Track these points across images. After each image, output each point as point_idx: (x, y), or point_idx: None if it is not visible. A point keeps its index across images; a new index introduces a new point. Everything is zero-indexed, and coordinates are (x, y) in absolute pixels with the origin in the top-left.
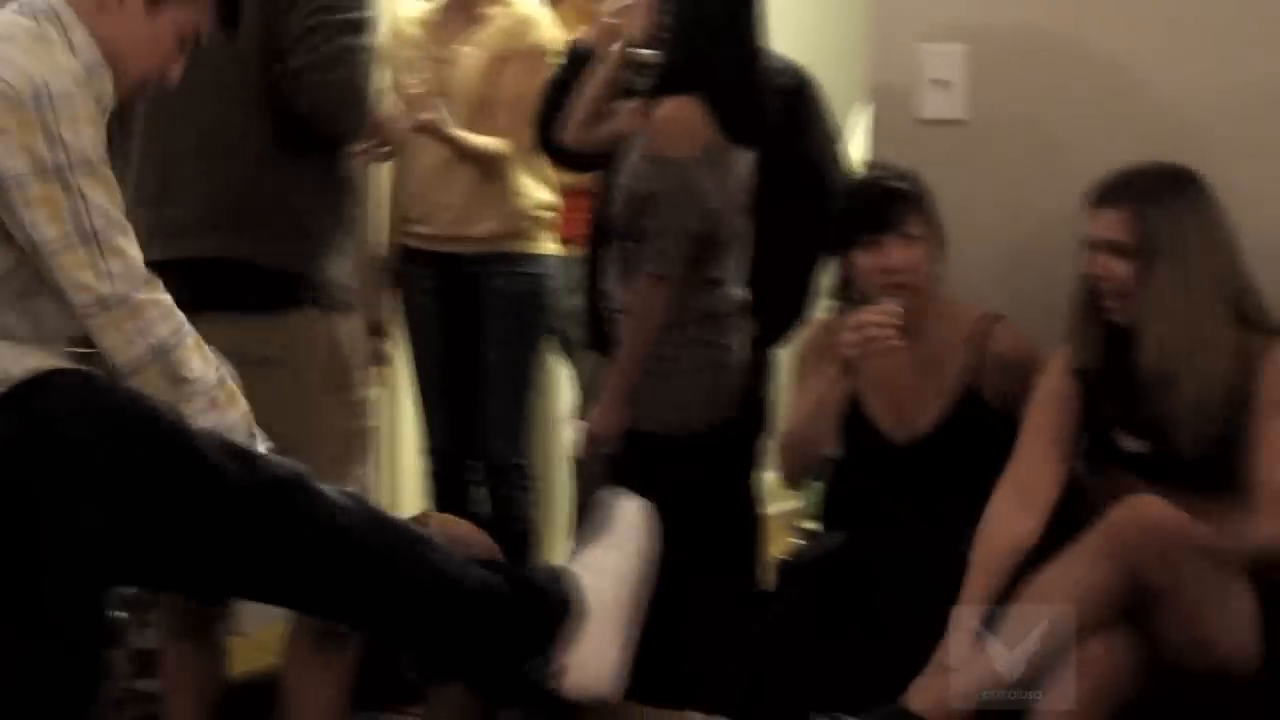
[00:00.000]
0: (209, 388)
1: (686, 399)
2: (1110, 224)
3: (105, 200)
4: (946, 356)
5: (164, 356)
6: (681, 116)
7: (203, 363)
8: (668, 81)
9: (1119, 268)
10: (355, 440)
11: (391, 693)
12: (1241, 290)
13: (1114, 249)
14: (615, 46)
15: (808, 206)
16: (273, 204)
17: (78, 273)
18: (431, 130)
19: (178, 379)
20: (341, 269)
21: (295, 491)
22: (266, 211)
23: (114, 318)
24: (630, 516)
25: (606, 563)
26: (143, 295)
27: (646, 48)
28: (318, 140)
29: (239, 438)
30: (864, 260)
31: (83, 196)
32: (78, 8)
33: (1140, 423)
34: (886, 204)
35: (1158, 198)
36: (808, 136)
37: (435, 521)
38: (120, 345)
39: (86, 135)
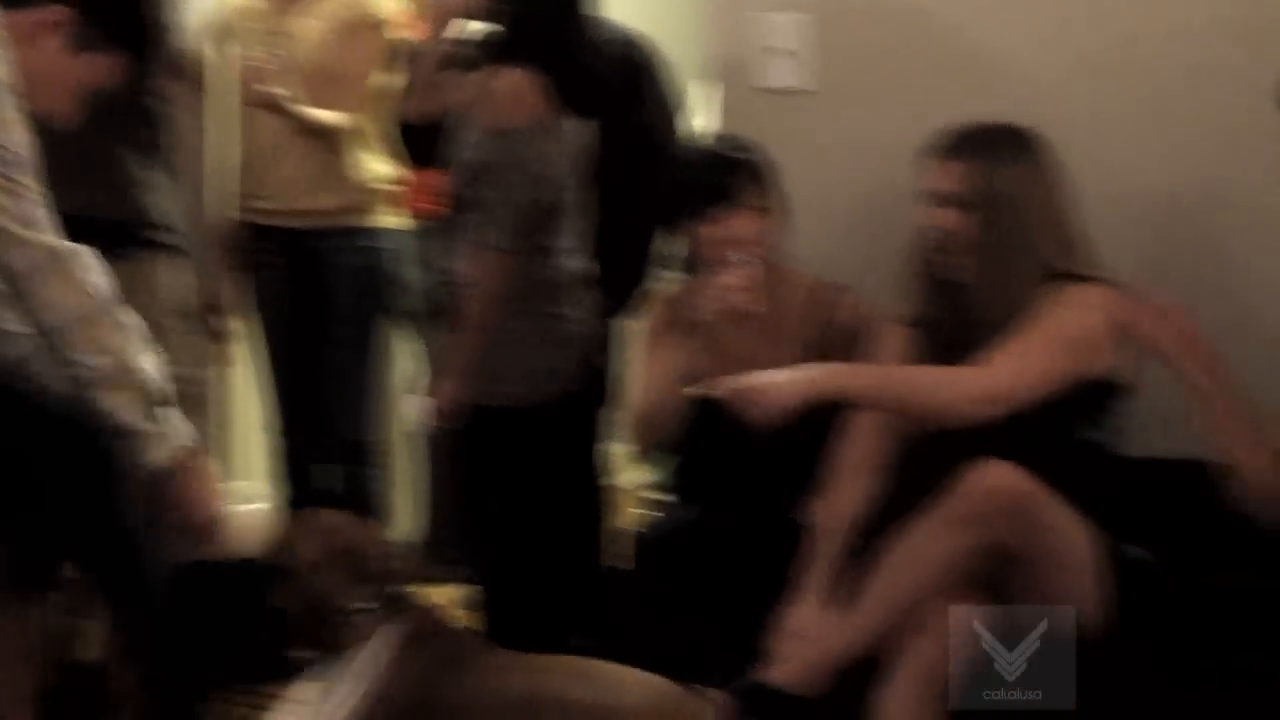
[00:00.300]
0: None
1: (528, 371)
2: (950, 175)
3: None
4: (789, 328)
5: (110, 310)
6: (514, 88)
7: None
8: (501, 54)
9: (956, 220)
10: (182, 386)
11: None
12: (1070, 246)
13: (953, 201)
14: (449, 20)
15: (646, 177)
16: (90, 152)
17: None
18: (271, 104)
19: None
20: (161, 212)
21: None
22: (84, 160)
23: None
24: None
25: None
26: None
27: (480, 20)
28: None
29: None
30: (706, 232)
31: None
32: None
33: None
34: (728, 176)
35: (998, 153)
36: (646, 107)
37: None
38: (70, 296)
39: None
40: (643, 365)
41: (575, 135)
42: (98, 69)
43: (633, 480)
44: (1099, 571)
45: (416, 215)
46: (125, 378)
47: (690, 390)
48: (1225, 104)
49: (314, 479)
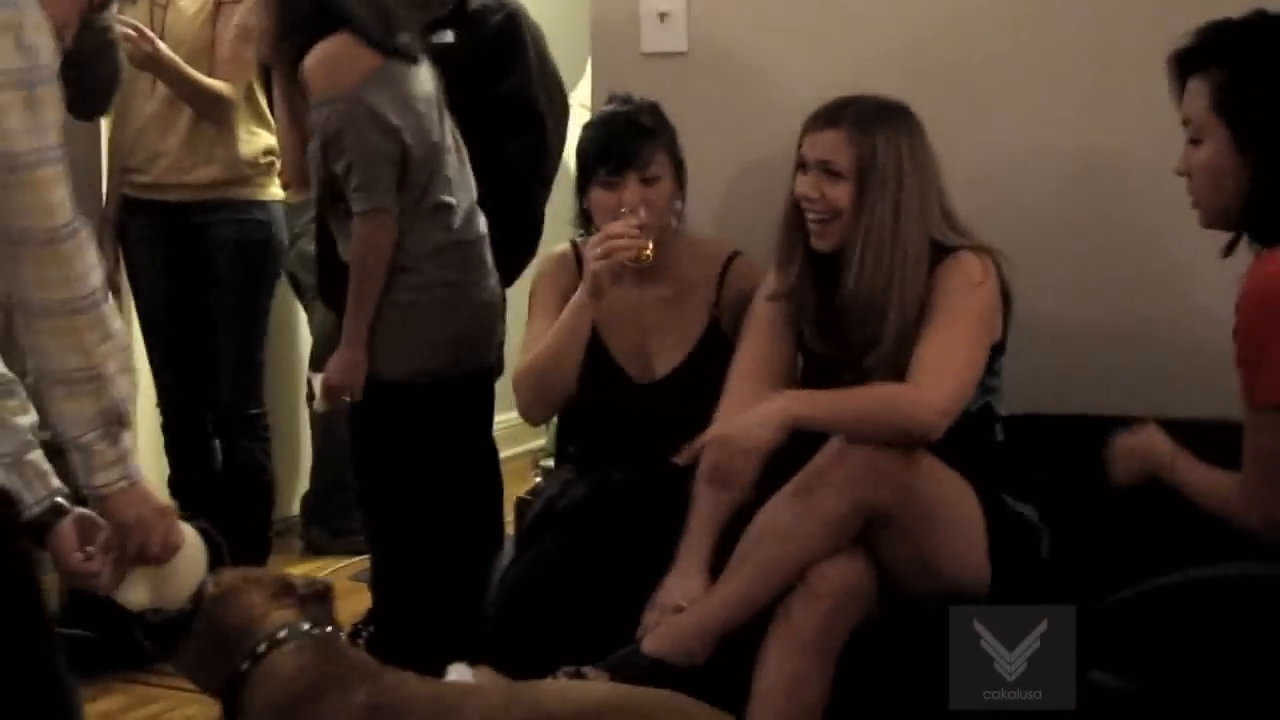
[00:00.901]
0: (124, 345)
1: (431, 343)
2: (827, 145)
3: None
4: (690, 295)
5: (99, 303)
6: (330, 55)
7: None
8: (306, 30)
9: (833, 190)
10: None
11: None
12: (949, 215)
13: (829, 171)
14: None
15: (523, 141)
16: None
17: (52, 191)
18: (154, 61)
19: (108, 333)
20: None
21: None
22: None
23: (69, 249)
24: None
25: None
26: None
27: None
28: None
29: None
30: (602, 197)
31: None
32: None
33: (841, 349)
34: (626, 140)
35: (875, 123)
36: (517, 70)
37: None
38: (68, 279)
39: (46, 47)
40: (532, 325)
41: (422, 83)
42: None
43: (526, 449)
44: (980, 531)
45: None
46: (91, 386)
47: (678, 460)
48: (1129, 65)
49: (205, 454)
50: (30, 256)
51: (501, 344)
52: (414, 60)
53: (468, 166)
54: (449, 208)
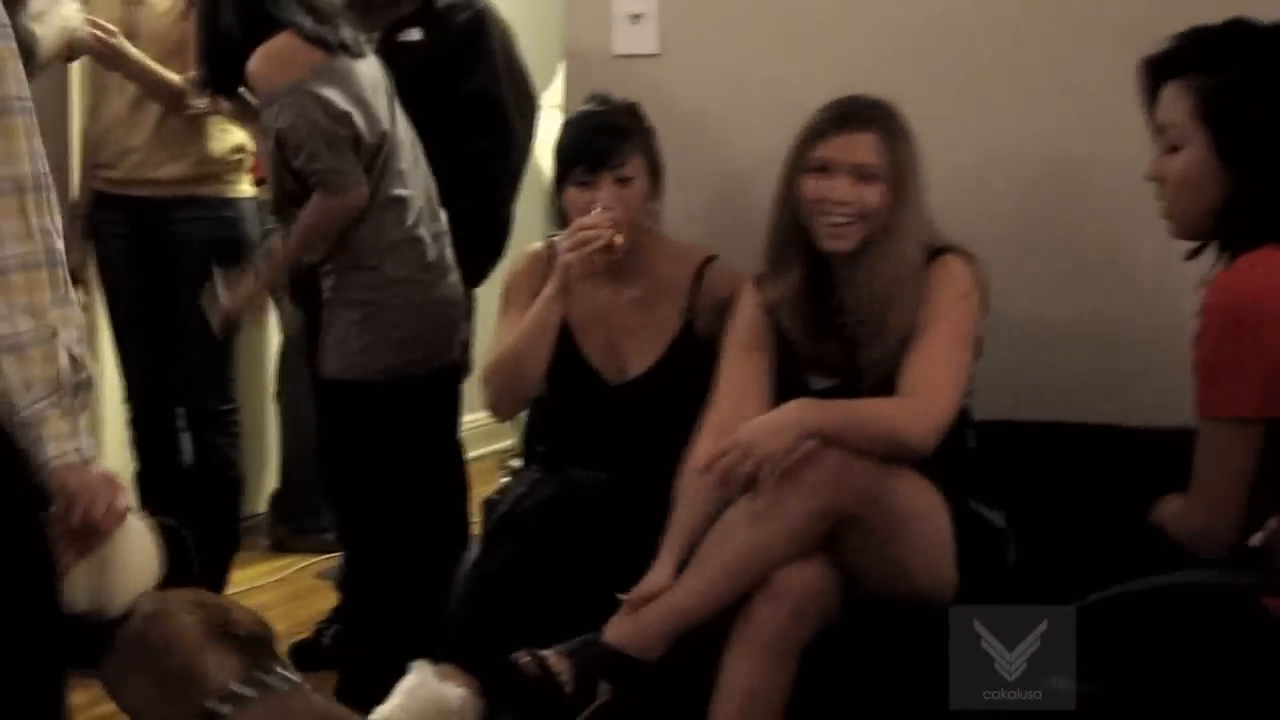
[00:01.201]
0: (79, 320)
1: (390, 342)
2: (861, 148)
3: None
4: (664, 297)
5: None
6: (273, 53)
7: None
8: (250, 33)
9: (866, 192)
10: None
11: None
12: (930, 217)
13: (861, 173)
14: None
15: (488, 140)
16: None
17: (25, 139)
18: (118, 57)
19: (64, 297)
20: None
21: None
22: None
23: (39, 200)
24: None
25: None
26: None
27: None
28: None
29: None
30: (576, 197)
31: None
32: None
33: (832, 357)
34: (603, 140)
35: (896, 125)
36: (483, 68)
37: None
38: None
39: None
40: (502, 320)
41: (369, 75)
42: None
43: (492, 449)
44: (948, 538)
45: (263, 183)
46: (43, 350)
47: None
48: (1096, 66)
49: (174, 450)
50: None
51: (468, 344)
52: (359, 55)
53: (423, 162)
54: (403, 201)
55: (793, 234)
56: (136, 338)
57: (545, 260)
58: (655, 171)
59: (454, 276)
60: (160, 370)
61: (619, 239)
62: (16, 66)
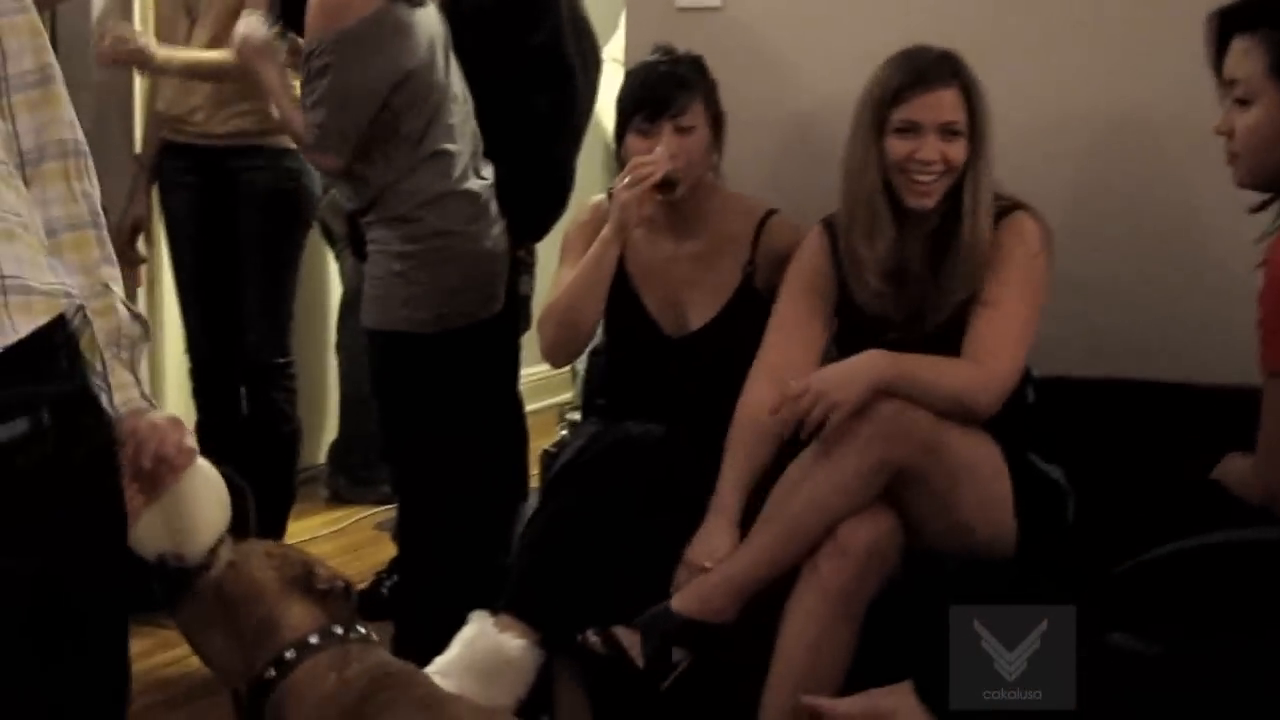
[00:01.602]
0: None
1: (433, 293)
2: (947, 105)
3: None
4: (724, 251)
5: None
6: (325, 2)
7: None
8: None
9: (952, 148)
10: None
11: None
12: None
13: (947, 130)
14: None
15: (552, 94)
16: None
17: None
18: (151, 64)
19: (109, 256)
20: None
21: None
22: None
23: (83, 165)
24: None
25: None
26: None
27: None
28: None
29: None
30: (637, 145)
31: None
32: None
33: (898, 309)
34: (664, 88)
35: (971, 77)
36: (549, 21)
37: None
38: (75, 196)
39: None
40: (559, 270)
41: (427, 25)
42: None
43: (552, 402)
44: (1008, 492)
45: None
46: (100, 304)
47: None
48: (1163, 23)
49: (230, 401)
50: (42, 174)
51: (529, 298)
52: (419, 4)
53: (472, 117)
54: (450, 155)
55: (877, 193)
56: (197, 288)
57: (605, 212)
58: (717, 123)
59: (498, 229)
60: (220, 322)
61: (677, 176)
62: (45, 38)
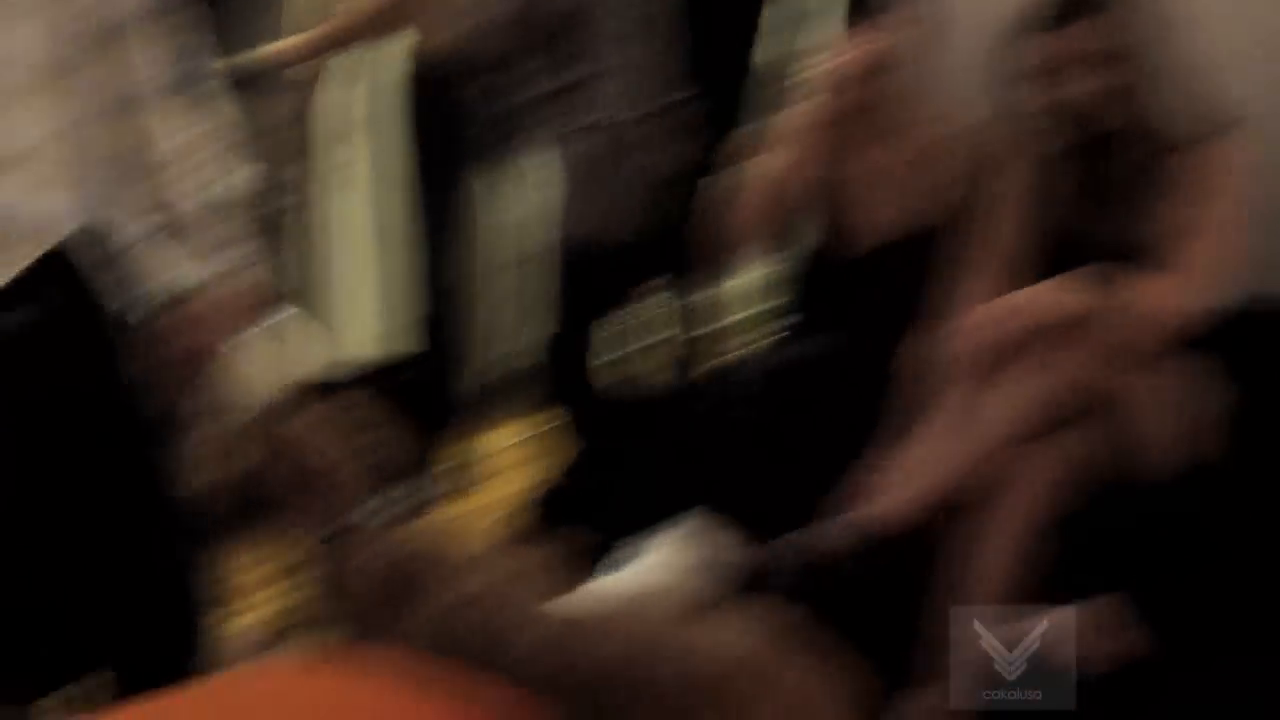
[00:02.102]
0: None
1: (602, 206)
2: (1085, 36)
3: None
4: (934, 159)
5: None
6: None
7: None
8: None
9: (1101, 78)
10: None
11: None
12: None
13: (1096, 60)
14: None
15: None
16: None
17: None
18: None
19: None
20: None
21: None
22: None
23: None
24: None
25: None
26: None
27: None
28: None
29: None
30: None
31: None
32: None
33: (1099, 234)
34: None
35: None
36: None
37: None
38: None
39: None
40: (769, 156)
41: None
42: None
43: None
44: (1188, 415)
45: None
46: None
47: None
48: None
49: None
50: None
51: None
52: None
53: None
54: (610, 76)
55: (1060, 127)
56: None
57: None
58: (924, 25)
59: (684, 147)
60: None
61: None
62: None
